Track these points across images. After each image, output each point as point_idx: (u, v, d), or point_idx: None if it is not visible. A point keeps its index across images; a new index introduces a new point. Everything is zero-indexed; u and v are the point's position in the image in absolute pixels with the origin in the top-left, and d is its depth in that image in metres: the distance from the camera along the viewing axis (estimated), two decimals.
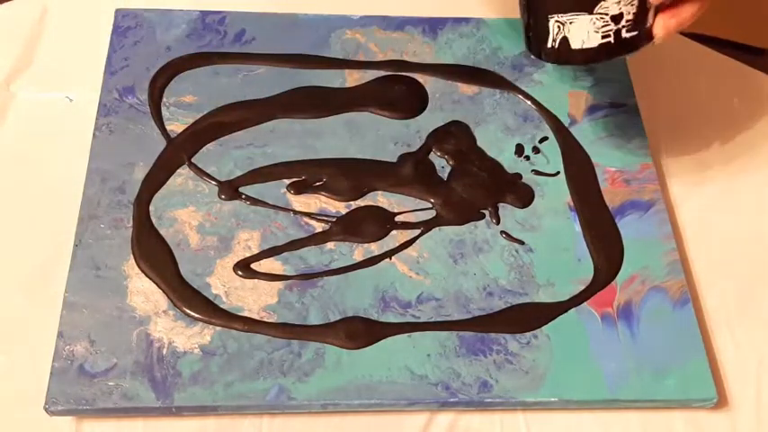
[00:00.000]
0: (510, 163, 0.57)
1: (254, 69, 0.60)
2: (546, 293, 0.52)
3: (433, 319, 0.50)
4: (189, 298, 0.50)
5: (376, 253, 0.53)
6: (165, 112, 0.57)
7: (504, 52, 0.63)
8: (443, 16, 0.64)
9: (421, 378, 0.48)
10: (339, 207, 0.54)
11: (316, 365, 0.48)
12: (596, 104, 0.61)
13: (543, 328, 0.51)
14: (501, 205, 0.55)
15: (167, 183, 0.54)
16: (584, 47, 0.48)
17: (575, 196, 0.56)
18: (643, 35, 0.48)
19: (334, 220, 0.54)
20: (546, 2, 0.48)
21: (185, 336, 0.49)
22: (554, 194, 0.56)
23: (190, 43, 0.61)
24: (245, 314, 0.50)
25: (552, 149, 0.58)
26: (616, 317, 0.51)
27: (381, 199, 0.55)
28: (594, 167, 0.58)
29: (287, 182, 0.55)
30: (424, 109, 0.60)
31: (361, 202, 0.55)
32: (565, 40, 0.48)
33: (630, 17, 0.47)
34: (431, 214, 0.55)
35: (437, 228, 0.54)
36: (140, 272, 0.51)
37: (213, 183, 0.55)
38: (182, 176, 0.55)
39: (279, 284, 0.51)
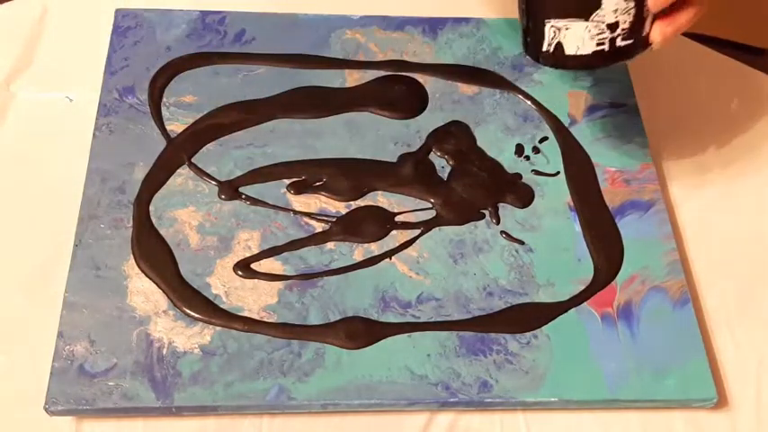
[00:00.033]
0: (510, 163, 0.57)
1: (254, 69, 0.60)
2: (546, 293, 0.52)
3: (432, 319, 0.50)
4: (189, 298, 0.50)
5: (376, 253, 0.53)
6: (165, 112, 0.57)
7: (504, 52, 0.63)
8: (443, 16, 0.64)
9: (421, 378, 0.48)
10: (339, 207, 0.54)
11: (316, 365, 0.48)
12: (596, 104, 0.61)
13: (543, 328, 0.51)
14: (501, 205, 0.55)
15: (167, 183, 0.54)
16: (579, 53, 0.48)
17: (575, 196, 0.56)
18: (638, 44, 0.48)
19: (334, 220, 0.54)
20: (543, 6, 0.48)
21: (185, 336, 0.49)
22: (554, 194, 0.56)
23: (190, 43, 0.61)
24: (245, 314, 0.50)
25: (552, 149, 0.58)
26: (616, 317, 0.51)
27: (381, 199, 0.55)
28: (594, 167, 0.58)
29: (287, 182, 0.55)
30: (424, 109, 0.60)
31: (361, 202, 0.55)
32: (560, 45, 0.48)
33: (626, 26, 0.47)
34: (431, 214, 0.55)
35: (437, 228, 0.54)
36: (140, 272, 0.51)
37: (213, 183, 0.55)
38: (182, 176, 0.55)
39: (279, 284, 0.51)
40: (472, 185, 0.56)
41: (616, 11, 0.46)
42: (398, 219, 0.54)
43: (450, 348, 0.49)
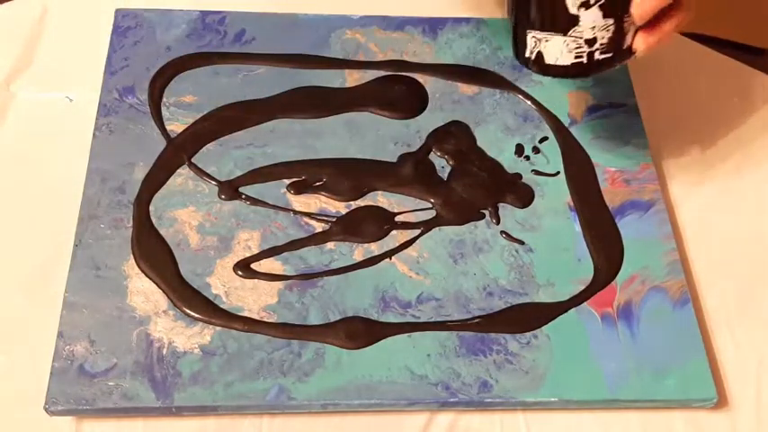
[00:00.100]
0: (510, 163, 0.57)
1: (254, 69, 0.60)
2: (546, 293, 0.52)
3: (432, 319, 0.50)
4: (189, 298, 0.50)
5: (376, 253, 0.53)
6: (165, 112, 0.57)
7: (504, 52, 0.63)
8: (443, 16, 0.64)
9: (421, 378, 0.48)
10: (339, 207, 0.54)
11: (316, 365, 0.48)
12: (596, 104, 0.61)
13: (543, 328, 0.51)
14: (501, 205, 0.55)
15: (167, 183, 0.54)
16: (558, 63, 0.49)
17: (575, 196, 0.56)
18: (618, 56, 0.49)
19: (334, 220, 0.54)
20: (526, 17, 0.49)
21: (185, 336, 0.49)
22: (554, 194, 0.56)
23: (190, 43, 0.61)
24: (245, 314, 0.50)
25: (552, 149, 0.58)
26: (616, 317, 0.51)
27: (381, 199, 0.55)
28: (594, 167, 0.58)
29: (287, 182, 0.55)
30: (424, 109, 0.60)
31: (361, 202, 0.55)
32: (540, 54, 0.49)
33: (605, 41, 0.48)
34: (431, 214, 0.55)
35: (437, 228, 0.54)
36: (140, 272, 0.51)
37: (213, 183, 0.55)
38: (182, 176, 0.55)
39: (279, 284, 0.51)
40: (472, 185, 0.56)
41: (594, 28, 0.47)
42: (398, 219, 0.54)
43: (450, 348, 0.49)
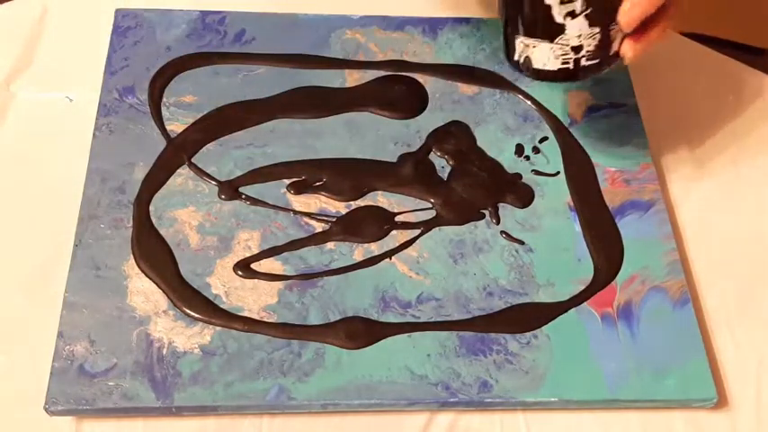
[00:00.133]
0: (510, 163, 0.57)
1: (254, 69, 0.60)
2: (546, 293, 0.52)
3: (432, 319, 0.50)
4: (189, 298, 0.50)
5: (376, 253, 0.53)
6: (165, 112, 0.57)
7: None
8: (443, 16, 0.64)
9: (421, 378, 0.48)
10: (339, 207, 0.54)
11: (316, 365, 0.48)
12: (596, 104, 0.61)
13: (543, 328, 0.51)
14: (501, 205, 0.55)
15: (167, 183, 0.54)
16: (545, 68, 0.50)
17: (575, 196, 0.56)
18: (604, 62, 0.49)
19: (334, 220, 0.54)
20: (514, 23, 0.50)
21: (185, 336, 0.49)
22: (554, 194, 0.56)
23: (190, 43, 0.61)
24: (245, 314, 0.50)
25: (552, 149, 0.58)
26: (616, 317, 0.51)
27: (381, 199, 0.55)
28: (594, 167, 0.58)
29: (287, 182, 0.55)
30: (424, 109, 0.60)
31: (361, 202, 0.55)
32: (528, 58, 0.50)
33: (591, 48, 0.48)
34: (431, 214, 0.55)
35: (437, 228, 0.54)
36: (140, 272, 0.51)
37: (213, 183, 0.55)
38: (182, 176, 0.55)
39: (279, 284, 0.51)
40: (472, 185, 0.56)
41: (580, 36, 0.48)
42: (398, 219, 0.54)
43: (450, 348, 0.49)
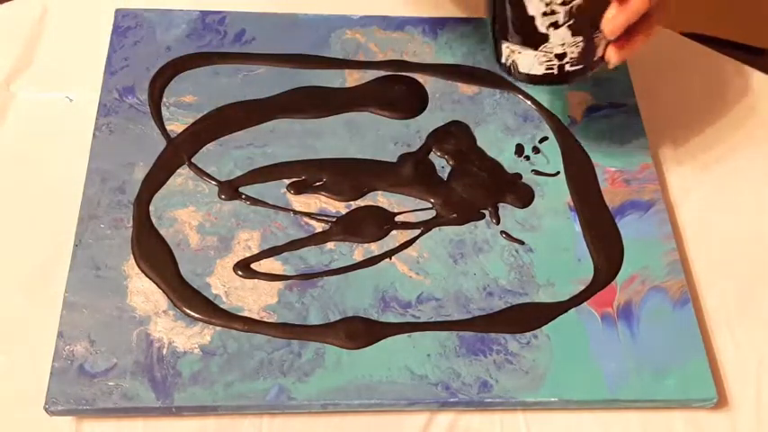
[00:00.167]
0: (510, 163, 0.57)
1: (254, 69, 0.60)
2: (546, 293, 0.52)
3: (433, 319, 0.50)
4: (189, 298, 0.50)
5: (376, 253, 0.53)
6: (165, 112, 0.57)
7: None
8: (443, 16, 0.64)
9: (421, 378, 0.48)
10: (339, 207, 0.54)
11: (316, 365, 0.48)
12: (596, 104, 0.61)
13: (543, 328, 0.51)
14: (501, 205, 0.55)
15: (167, 183, 0.54)
16: (531, 73, 0.51)
17: (575, 196, 0.56)
18: (588, 67, 0.50)
19: (334, 220, 0.54)
20: (500, 29, 0.50)
21: (185, 336, 0.49)
22: (554, 194, 0.56)
23: (190, 43, 0.61)
24: (245, 314, 0.50)
25: (552, 149, 0.58)
26: (616, 317, 0.51)
27: (381, 199, 0.55)
28: (594, 167, 0.58)
29: (287, 182, 0.55)
30: (424, 109, 0.60)
31: (361, 202, 0.55)
32: (514, 62, 0.51)
33: (575, 55, 0.49)
34: (431, 214, 0.55)
35: (437, 228, 0.54)
36: (140, 272, 0.51)
37: (213, 183, 0.55)
38: (182, 176, 0.55)
39: (279, 284, 0.51)
40: (472, 185, 0.56)
41: (563, 44, 0.49)
42: (398, 219, 0.54)
43: (450, 348, 0.49)
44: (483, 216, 0.55)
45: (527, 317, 0.51)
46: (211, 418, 0.48)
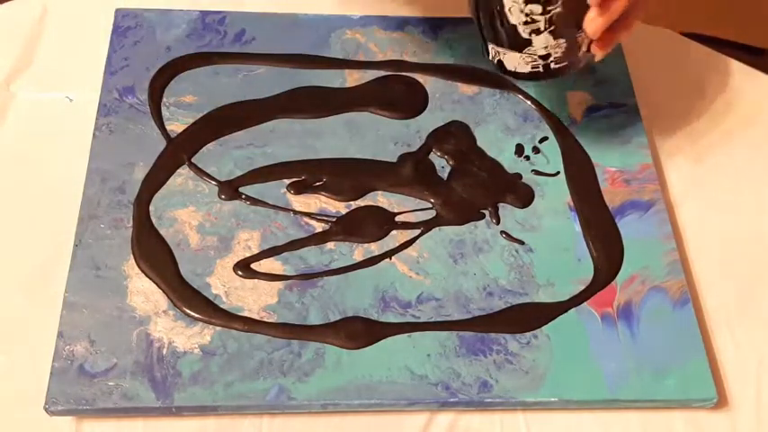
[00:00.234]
0: (510, 163, 0.57)
1: (254, 69, 0.60)
2: (546, 293, 0.52)
3: (432, 319, 0.50)
4: (189, 298, 0.50)
5: (376, 253, 0.53)
6: (165, 112, 0.57)
7: None
8: (443, 16, 0.64)
9: (421, 378, 0.48)
10: (339, 207, 0.54)
11: (316, 365, 0.48)
12: (596, 104, 0.61)
13: (543, 328, 0.51)
14: (501, 205, 0.55)
15: (167, 183, 0.54)
16: (517, 71, 0.52)
17: (575, 196, 0.56)
18: (573, 65, 0.51)
19: (334, 220, 0.54)
20: (485, 31, 0.51)
21: (185, 336, 0.49)
22: (554, 194, 0.56)
23: (190, 43, 0.61)
24: (245, 314, 0.50)
25: (552, 149, 0.58)
26: (616, 317, 0.51)
27: (381, 199, 0.55)
28: (594, 167, 0.58)
29: (287, 182, 0.55)
30: (424, 109, 0.60)
31: (361, 202, 0.55)
32: (500, 61, 0.52)
33: (559, 55, 0.50)
34: (431, 214, 0.55)
35: (437, 228, 0.54)
36: (140, 272, 0.51)
37: (213, 183, 0.55)
38: (182, 176, 0.55)
39: (279, 284, 0.51)
40: (472, 185, 0.56)
41: (546, 47, 0.49)
42: (398, 219, 0.54)
43: (450, 348, 0.49)
44: (483, 216, 0.55)
45: (527, 317, 0.51)
46: (211, 418, 0.48)
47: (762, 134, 0.62)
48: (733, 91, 0.64)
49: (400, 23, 0.64)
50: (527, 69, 0.51)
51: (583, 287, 0.52)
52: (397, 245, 0.53)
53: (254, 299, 0.50)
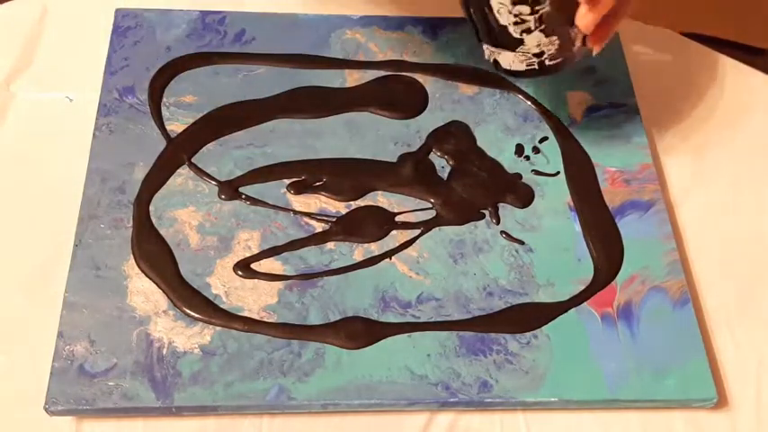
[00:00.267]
0: (510, 163, 0.57)
1: (254, 69, 0.60)
2: (546, 293, 0.52)
3: (433, 319, 0.50)
4: (189, 298, 0.50)
5: (376, 253, 0.53)
6: (165, 112, 0.57)
7: None
8: (443, 16, 0.64)
9: (421, 378, 0.48)
10: (339, 207, 0.54)
11: (316, 365, 0.48)
12: (596, 104, 0.61)
13: (543, 328, 0.51)
14: (501, 205, 0.55)
15: (167, 183, 0.54)
16: (513, 69, 0.52)
17: (575, 196, 0.56)
18: (568, 60, 0.51)
19: (334, 220, 0.54)
20: (479, 31, 0.52)
21: (185, 336, 0.49)
22: (554, 194, 0.56)
23: (190, 43, 0.61)
24: (245, 314, 0.50)
25: (552, 149, 0.58)
26: (616, 317, 0.51)
27: (381, 199, 0.55)
28: (594, 167, 0.58)
29: (287, 182, 0.55)
30: (424, 109, 0.60)
31: (361, 202, 0.55)
32: (496, 60, 0.53)
33: (553, 52, 0.50)
34: (431, 214, 0.55)
35: (437, 228, 0.54)
36: (140, 272, 0.51)
37: (213, 183, 0.55)
38: (182, 176, 0.55)
39: (279, 284, 0.51)
40: (472, 185, 0.56)
41: (539, 45, 0.50)
42: (398, 219, 0.54)
43: (450, 348, 0.49)
44: (483, 216, 0.55)
45: (527, 317, 0.51)
46: (211, 418, 0.48)
47: (762, 134, 0.62)
48: (733, 91, 0.64)
49: (400, 23, 0.64)
50: (522, 67, 0.51)
51: (583, 287, 0.52)
52: (397, 245, 0.53)
53: (254, 299, 0.50)
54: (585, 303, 0.52)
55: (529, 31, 0.49)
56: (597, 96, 0.61)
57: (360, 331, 0.50)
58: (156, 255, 0.51)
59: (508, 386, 0.48)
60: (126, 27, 0.61)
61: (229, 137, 0.57)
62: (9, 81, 0.60)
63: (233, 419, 0.48)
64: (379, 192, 0.55)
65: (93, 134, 0.56)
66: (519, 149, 0.58)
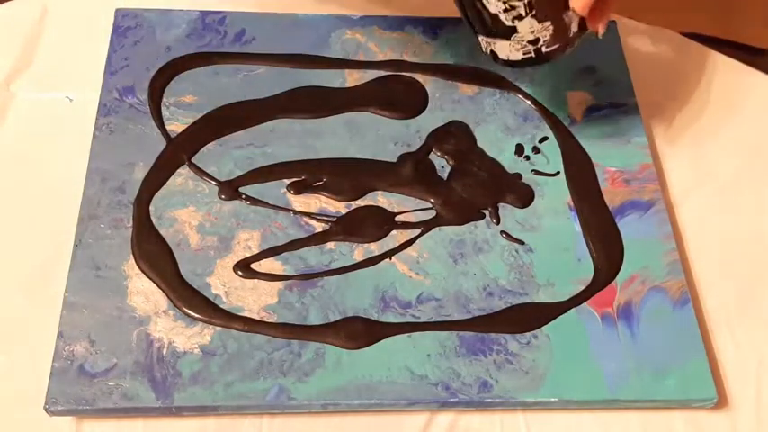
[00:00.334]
0: (510, 163, 0.57)
1: (254, 69, 0.60)
2: (546, 293, 0.52)
3: (432, 319, 0.50)
4: (189, 298, 0.50)
5: (376, 253, 0.53)
6: (165, 112, 0.57)
7: None
8: (443, 16, 0.64)
9: (421, 378, 0.48)
10: (339, 207, 0.54)
11: (316, 365, 0.48)
12: (596, 104, 0.61)
13: (543, 328, 0.51)
14: (501, 205, 0.55)
15: (167, 183, 0.54)
16: (510, 59, 0.52)
17: (575, 196, 0.56)
18: (567, 44, 0.51)
19: (334, 220, 0.54)
20: (473, 24, 0.52)
21: (185, 336, 0.49)
22: (554, 194, 0.56)
23: (190, 43, 0.61)
24: (245, 314, 0.50)
25: (552, 149, 0.58)
26: (616, 317, 0.51)
27: (381, 199, 0.55)
28: (594, 167, 0.58)
29: (287, 182, 0.55)
30: (424, 109, 0.60)
31: (361, 202, 0.55)
32: (493, 51, 0.52)
33: (548, 38, 0.50)
34: (431, 214, 0.55)
35: (437, 228, 0.54)
36: (140, 272, 0.51)
37: (213, 183, 0.55)
38: (182, 176, 0.55)
39: (279, 284, 0.51)
40: (472, 185, 0.56)
41: (533, 31, 0.49)
42: (398, 219, 0.54)
43: (450, 348, 0.49)
44: (483, 216, 0.55)
45: (527, 317, 0.51)
46: (211, 418, 0.48)
47: (762, 134, 0.62)
48: (733, 91, 0.64)
49: (400, 23, 0.64)
50: (519, 56, 0.51)
51: (583, 287, 0.52)
52: (397, 245, 0.53)
53: (254, 299, 0.50)
54: (585, 303, 0.52)
55: (520, 17, 0.49)
56: (597, 96, 0.61)
57: (360, 331, 0.50)
58: (156, 255, 0.51)
59: (508, 386, 0.48)
60: (126, 27, 0.61)
61: (229, 137, 0.57)
62: (9, 81, 0.60)
63: (233, 419, 0.48)
64: (379, 192, 0.55)
65: (93, 134, 0.56)
66: (519, 149, 0.58)
